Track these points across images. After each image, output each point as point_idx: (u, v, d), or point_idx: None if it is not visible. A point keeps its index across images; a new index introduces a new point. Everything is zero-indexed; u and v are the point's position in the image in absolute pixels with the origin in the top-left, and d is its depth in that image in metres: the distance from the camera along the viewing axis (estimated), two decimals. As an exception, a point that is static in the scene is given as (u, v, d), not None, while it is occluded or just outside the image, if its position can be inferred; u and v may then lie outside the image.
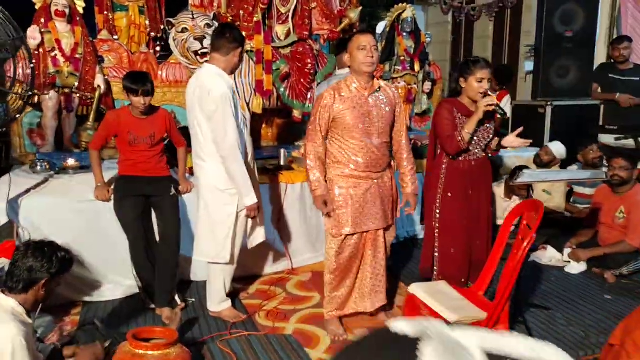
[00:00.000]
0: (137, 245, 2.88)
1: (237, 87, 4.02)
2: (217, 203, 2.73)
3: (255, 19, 4.17)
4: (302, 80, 4.29)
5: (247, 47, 4.05)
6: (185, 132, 3.04)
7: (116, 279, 3.12)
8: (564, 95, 4.72)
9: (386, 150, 2.68)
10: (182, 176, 3.09)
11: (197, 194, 2.88)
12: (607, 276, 3.41)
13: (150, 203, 2.92)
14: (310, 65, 4.27)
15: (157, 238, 2.98)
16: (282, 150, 3.85)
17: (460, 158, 2.80)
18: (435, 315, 2.11)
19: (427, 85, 5.15)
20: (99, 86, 3.73)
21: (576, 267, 3.54)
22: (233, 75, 3.12)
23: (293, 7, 4.34)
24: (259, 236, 3.02)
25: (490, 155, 2.92)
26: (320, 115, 2.57)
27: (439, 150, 2.90)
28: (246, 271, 3.40)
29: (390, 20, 4.95)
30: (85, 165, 3.27)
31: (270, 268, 3.61)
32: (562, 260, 3.63)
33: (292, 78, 4.29)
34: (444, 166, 2.82)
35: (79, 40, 3.71)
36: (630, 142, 4.44)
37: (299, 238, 3.79)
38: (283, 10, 4.33)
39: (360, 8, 4.67)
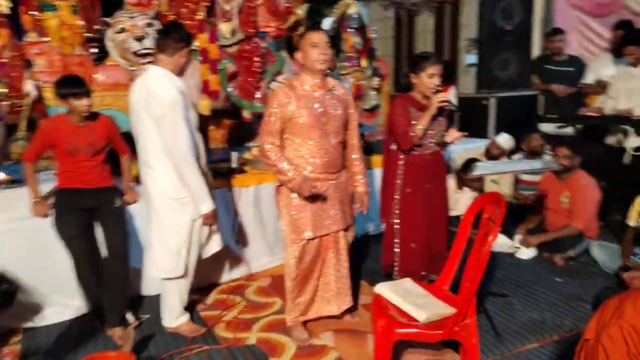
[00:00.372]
0: (81, 262, 2.67)
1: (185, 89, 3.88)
2: (169, 213, 2.58)
3: (198, 17, 4.01)
4: (250, 79, 4.18)
5: (192, 46, 3.88)
6: (128, 138, 2.85)
7: (61, 300, 2.89)
8: (506, 87, 4.87)
9: (342, 150, 2.63)
10: (127, 186, 2.90)
11: (146, 204, 2.71)
12: (556, 259, 3.54)
13: (94, 216, 2.73)
14: (258, 63, 4.16)
15: (104, 253, 2.78)
16: (234, 153, 3.72)
17: (417, 152, 2.80)
18: (404, 314, 2.08)
19: (375, 81, 5.17)
20: (28, 92, 3.45)
21: (527, 253, 3.66)
22: (182, 76, 2.98)
23: (237, 4, 4.20)
24: (214, 245, 2.89)
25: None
26: (274, 115, 2.48)
27: (394, 146, 2.88)
28: (202, 280, 3.26)
29: (336, 16, 4.91)
30: (18, 179, 3.01)
31: (228, 275, 3.48)
32: (513, 246, 3.73)
33: (239, 77, 4.16)
34: (401, 162, 2.81)
35: (5, 43, 3.41)
36: (569, 130, 4.64)
37: (256, 242, 3.69)
38: (227, 7, 4.19)
39: (308, 5, 4.59)
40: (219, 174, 3.54)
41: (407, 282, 2.28)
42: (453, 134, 2.85)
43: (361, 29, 5.01)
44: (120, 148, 2.89)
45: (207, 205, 2.58)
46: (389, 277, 2.92)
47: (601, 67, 4.52)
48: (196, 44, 3.96)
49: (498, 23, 4.85)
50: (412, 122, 2.73)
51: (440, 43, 8.81)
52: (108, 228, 2.74)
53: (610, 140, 4.12)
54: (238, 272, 3.52)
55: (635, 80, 3.96)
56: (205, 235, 2.80)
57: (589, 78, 4.59)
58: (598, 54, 4.84)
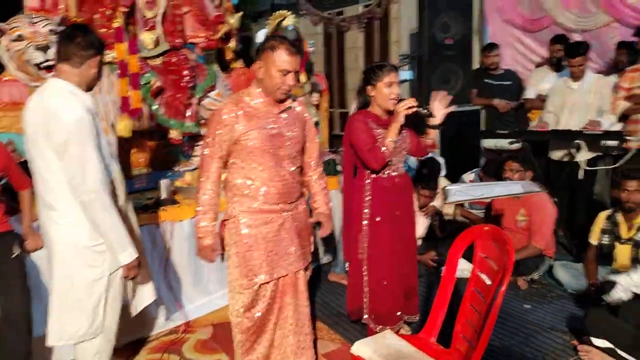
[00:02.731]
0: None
1: (96, 106, 3.31)
2: (79, 265, 2.01)
3: (115, 25, 3.46)
4: (178, 95, 3.67)
5: (108, 57, 3.34)
6: (28, 168, 2.27)
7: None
8: (448, 102, 4.72)
9: (299, 176, 2.25)
10: (29, 228, 2.31)
11: (47, 255, 2.13)
12: (520, 283, 3.36)
13: (-17, 271, 2.12)
14: (187, 77, 3.66)
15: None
16: (163, 181, 3.20)
17: (384, 175, 2.48)
18: (391, 379, 1.71)
19: (315, 97, 4.85)
20: None
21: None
22: (92, 92, 2.46)
23: (161, 11, 3.70)
24: (146, 296, 2.38)
25: (427, 152, 2.65)
26: (218, 137, 2.05)
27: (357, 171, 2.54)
28: (129, 336, 2.71)
29: (271, 28, 4.54)
30: None
31: (161, 327, 2.93)
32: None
33: (166, 93, 3.64)
34: (367, 187, 2.47)
35: None
36: (514, 146, 4.57)
37: (191, 284, 3.19)
38: (149, 14, 3.67)
39: (241, 13, 4.18)
40: (146, 207, 3.02)
41: (389, 337, 1.91)
42: (438, 105, 2.51)
43: (298, 43, 4.67)
44: (18, 181, 2.30)
45: (127, 254, 2.06)
46: (357, 322, 2.55)
47: (541, 82, 4.50)
48: (113, 55, 3.41)
49: (438, 37, 4.73)
50: (378, 139, 2.41)
51: (370, 59, 8.74)
52: (4, 284, 2.13)
53: (556, 155, 4.07)
54: (173, 322, 2.99)
55: (575, 94, 3.93)
56: (131, 287, 2.28)
57: (531, 92, 4.57)
58: (537, 68, 4.85)
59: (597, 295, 2.30)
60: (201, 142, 4.05)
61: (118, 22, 3.51)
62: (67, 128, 1.87)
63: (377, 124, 2.50)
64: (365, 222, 2.48)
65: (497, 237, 1.73)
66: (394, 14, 8.37)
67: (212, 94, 3.92)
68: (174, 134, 3.74)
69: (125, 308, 2.29)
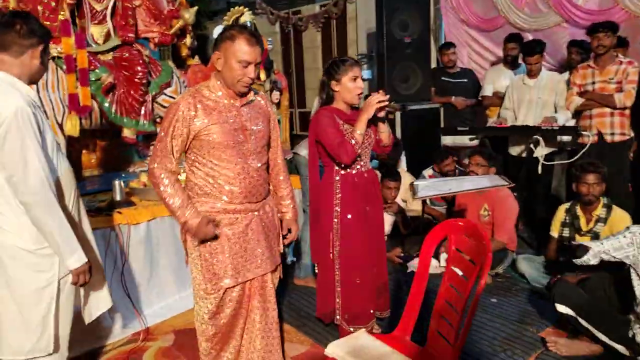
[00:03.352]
0: None
1: (42, 103, 3.08)
2: (23, 272, 1.83)
3: (60, 17, 3.25)
4: (132, 92, 3.48)
5: (53, 51, 3.12)
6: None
7: None
8: (409, 100, 4.74)
9: (266, 174, 2.14)
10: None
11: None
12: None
13: None
14: (140, 73, 3.49)
15: None
16: (117, 182, 3.01)
17: (353, 171, 2.42)
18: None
19: (276, 95, 4.74)
20: None
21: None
22: (35, 86, 2.26)
23: (111, 4, 3.51)
24: (101, 303, 2.22)
25: (388, 149, 2.59)
26: (174, 132, 1.91)
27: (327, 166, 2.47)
28: (84, 347, 2.53)
29: (227, 24, 4.40)
30: None
31: (118, 335, 2.76)
32: (439, 266, 3.51)
33: (118, 90, 3.45)
34: (337, 184, 2.40)
35: None
36: (473, 142, 4.64)
37: (149, 288, 3.03)
38: (98, 7, 3.48)
39: (196, 8, 4.03)
40: (99, 210, 2.84)
41: (363, 337, 1.84)
42: (374, 96, 2.35)
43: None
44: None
45: (76, 259, 1.89)
46: (328, 325, 2.47)
47: (498, 79, 4.59)
48: (59, 49, 3.20)
49: (396, 35, 4.73)
50: (346, 133, 2.35)
51: (329, 58, 8.72)
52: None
53: (515, 151, 4.15)
54: (131, 329, 2.82)
55: (532, 91, 4.03)
56: (83, 294, 2.12)
57: (488, 90, 4.65)
58: (493, 67, 4.95)
59: (568, 256, 2.37)
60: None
61: (64, 15, 3.30)
62: (4, 121, 1.70)
63: (342, 119, 2.44)
64: (336, 221, 2.40)
65: (472, 232, 1.69)
66: (351, 13, 8.39)
67: (168, 90, 3.75)
68: (127, 133, 3.55)
69: (78, 316, 2.12)
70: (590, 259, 2.26)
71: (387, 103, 2.30)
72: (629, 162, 3.69)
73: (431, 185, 2.32)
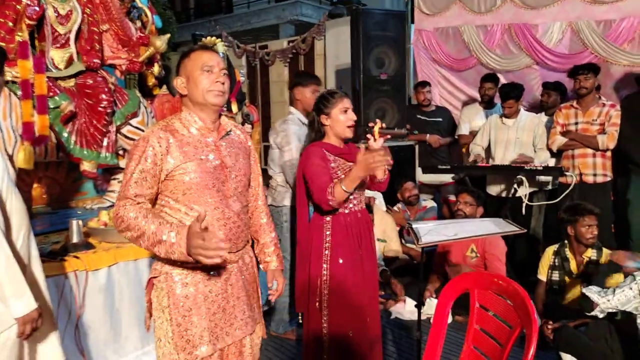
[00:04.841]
0: None
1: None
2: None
3: (18, 38, 2.95)
4: (94, 121, 3.19)
5: (8, 75, 2.81)
6: None
7: None
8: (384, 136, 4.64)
9: (247, 218, 1.88)
10: None
11: None
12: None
13: None
14: (105, 102, 3.20)
15: None
16: (74, 221, 2.68)
17: (346, 211, 2.21)
18: None
19: (247, 128, 4.54)
20: None
21: (441, 319, 3.26)
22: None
23: (76, 27, 3.25)
24: (51, 358, 1.87)
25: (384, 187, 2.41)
26: (143, 171, 1.63)
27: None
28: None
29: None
30: None
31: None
32: (426, 312, 3.32)
33: (79, 119, 3.15)
34: (327, 225, 2.19)
35: None
36: (449, 180, 4.57)
37: (107, 343, 2.67)
38: (61, 30, 3.20)
39: (168, 35, 3.82)
40: (52, 254, 2.49)
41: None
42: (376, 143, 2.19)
43: (229, 71, 4.37)
44: None
45: (24, 304, 1.60)
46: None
47: (474, 118, 4.58)
48: (14, 72, 2.89)
49: (373, 72, 4.67)
50: (334, 176, 2.16)
51: (296, 93, 8.64)
52: None
53: (493, 190, 4.08)
54: (83, 394, 2.44)
55: (510, 131, 4.01)
56: (28, 350, 1.78)
57: (464, 129, 4.62)
58: (469, 105, 4.95)
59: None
60: (119, 175, 3.58)
61: (21, 36, 3.01)
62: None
63: (334, 153, 2.27)
64: (325, 266, 2.18)
65: (504, 290, 1.48)
66: (319, 50, 8.41)
67: (134, 121, 3.47)
68: (87, 166, 3.23)
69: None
70: (597, 314, 2.16)
71: (388, 160, 2.07)
72: (611, 203, 3.68)
73: (434, 230, 2.14)
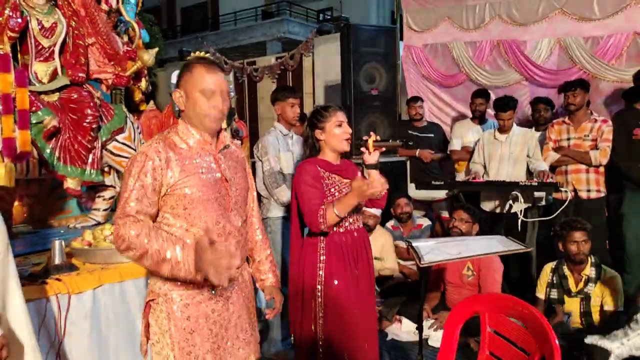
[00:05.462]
0: None
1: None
2: None
3: (-1, 51, 2.85)
4: (79, 137, 3.08)
5: (-13, 88, 2.70)
6: None
7: None
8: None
9: (247, 233, 1.83)
10: None
11: None
12: (472, 345, 3.12)
13: None
14: (90, 117, 3.09)
15: None
16: (57, 241, 2.54)
17: (341, 229, 2.13)
18: None
19: (237, 143, 4.46)
20: None
21: (439, 338, 3.17)
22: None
23: (60, 40, 3.15)
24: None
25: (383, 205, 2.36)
26: (143, 187, 1.56)
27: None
28: None
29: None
30: None
31: None
32: (415, 333, 3.22)
33: (63, 135, 3.03)
34: (322, 244, 2.10)
35: None
36: (442, 196, 4.52)
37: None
38: (45, 43, 3.09)
39: (157, 49, 3.74)
40: (33, 277, 2.36)
41: None
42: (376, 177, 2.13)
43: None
44: None
45: None
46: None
47: (466, 134, 4.55)
48: (-5, 86, 2.78)
49: (363, 87, 4.64)
50: (327, 194, 2.08)
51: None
52: None
53: (487, 206, 4.04)
54: None
55: (503, 146, 3.98)
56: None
57: (456, 144, 4.59)
58: (460, 121, 4.92)
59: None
60: (104, 193, 3.45)
61: (3, 49, 2.90)
62: None
63: (329, 170, 2.20)
64: (319, 287, 2.09)
65: (518, 313, 1.41)
66: (308, 66, 8.40)
67: (120, 137, 3.36)
68: (71, 184, 3.10)
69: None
70: None
71: (381, 145, 2.06)
72: (605, 219, 3.65)
73: (436, 249, 2.07)
